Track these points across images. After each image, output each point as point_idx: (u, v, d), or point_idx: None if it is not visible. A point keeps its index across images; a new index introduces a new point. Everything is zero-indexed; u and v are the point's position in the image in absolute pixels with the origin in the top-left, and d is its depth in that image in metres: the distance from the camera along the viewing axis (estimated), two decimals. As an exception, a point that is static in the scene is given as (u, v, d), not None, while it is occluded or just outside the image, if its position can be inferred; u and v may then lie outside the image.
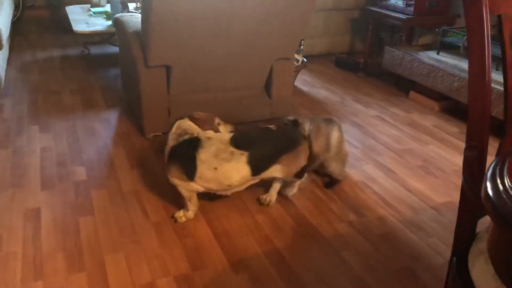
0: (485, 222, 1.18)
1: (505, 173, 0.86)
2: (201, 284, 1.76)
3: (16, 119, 3.11)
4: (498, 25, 1.13)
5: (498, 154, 1.19)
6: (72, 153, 2.69)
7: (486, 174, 0.85)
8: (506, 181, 0.83)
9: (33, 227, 2.05)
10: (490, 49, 1.02)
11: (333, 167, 2.41)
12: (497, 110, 2.77)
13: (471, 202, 1.12)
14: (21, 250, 1.90)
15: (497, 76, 2.81)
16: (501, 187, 0.83)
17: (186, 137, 2.01)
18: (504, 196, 0.81)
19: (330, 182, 2.44)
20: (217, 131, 2.14)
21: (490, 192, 0.80)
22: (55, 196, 2.28)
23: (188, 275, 1.80)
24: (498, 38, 1.15)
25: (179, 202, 2.17)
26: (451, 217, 2.20)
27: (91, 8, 4.51)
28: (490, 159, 0.99)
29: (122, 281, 1.76)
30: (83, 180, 2.41)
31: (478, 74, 1.03)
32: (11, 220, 2.09)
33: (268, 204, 2.25)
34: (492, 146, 1.27)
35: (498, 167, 0.88)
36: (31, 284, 1.73)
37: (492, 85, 2.62)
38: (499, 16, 1.13)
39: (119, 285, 1.74)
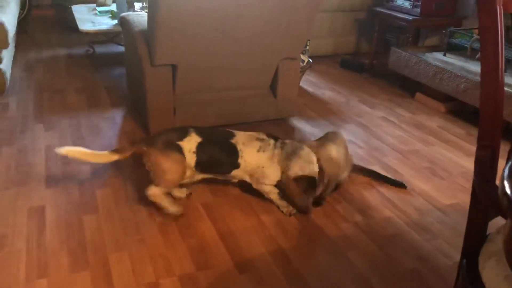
0: (494, 225, 1.16)
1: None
2: (205, 284, 1.75)
3: (21, 117, 3.11)
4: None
5: (510, 154, 1.18)
6: (77, 151, 2.68)
7: (503, 173, 0.83)
8: (523, 180, 0.82)
9: (38, 225, 2.04)
10: (503, 47, 1.00)
11: (345, 176, 2.39)
12: (506, 112, 2.75)
13: (483, 202, 1.10)
14: (25, 248, 1.89)
15: (505, 78, 2.79)
16: (517, 186, 0.82)
17: None
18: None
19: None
20: None
21: (508, 190, 0.78)
22: (59, 194, 2.27)
23: (192, 275, 1.79)
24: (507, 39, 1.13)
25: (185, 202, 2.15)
26: (457, 219, 2.18)
27: (96, 7, 4.52)
28: (499, 160, 0.98)
29: (125, 280, 1.75)
30: (88, 178, 2.40)
31: (491, 72, 1.02)
32: (16, 218, 2.08)
33: (291, 214, 2.19)
34: (501, 148, 1.25)
35: (514, 166, 0.86)
36: (35, 282, 1.72)
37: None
38: (512, 14, 1.11)
39: (122, 284, 1.73)
